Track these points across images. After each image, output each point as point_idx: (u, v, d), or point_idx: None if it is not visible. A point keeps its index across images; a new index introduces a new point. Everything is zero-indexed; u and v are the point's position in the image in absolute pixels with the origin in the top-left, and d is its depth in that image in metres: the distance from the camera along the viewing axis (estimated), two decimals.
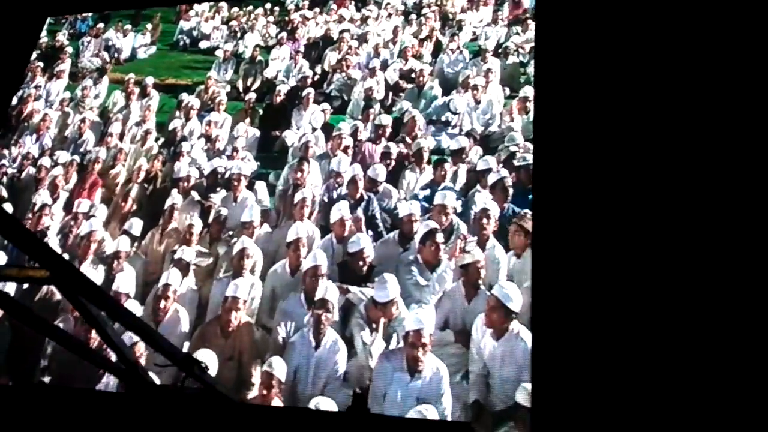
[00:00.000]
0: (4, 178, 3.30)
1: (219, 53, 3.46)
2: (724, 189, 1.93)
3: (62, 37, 3.92)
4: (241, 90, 3.23)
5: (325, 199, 2.54)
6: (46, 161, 3.24)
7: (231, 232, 2.57)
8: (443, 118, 2.59)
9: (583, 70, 2.21)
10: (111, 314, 0.90)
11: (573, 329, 1.85)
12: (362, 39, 3.08)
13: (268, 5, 3.55)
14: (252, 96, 3.16)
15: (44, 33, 3.97)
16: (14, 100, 3.60)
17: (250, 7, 3.60)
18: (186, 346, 2.25)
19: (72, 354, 1.08)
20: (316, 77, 3.06)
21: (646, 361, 1.77)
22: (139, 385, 1.03)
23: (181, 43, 3.68)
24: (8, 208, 3.14)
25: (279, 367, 2.06)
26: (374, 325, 2.01)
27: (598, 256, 1.93)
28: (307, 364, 1.99)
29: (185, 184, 2.86)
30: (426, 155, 2.50)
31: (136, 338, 2.27)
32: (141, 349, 2.28)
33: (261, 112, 3.07)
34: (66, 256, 2.80)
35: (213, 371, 2.03)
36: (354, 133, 2.72)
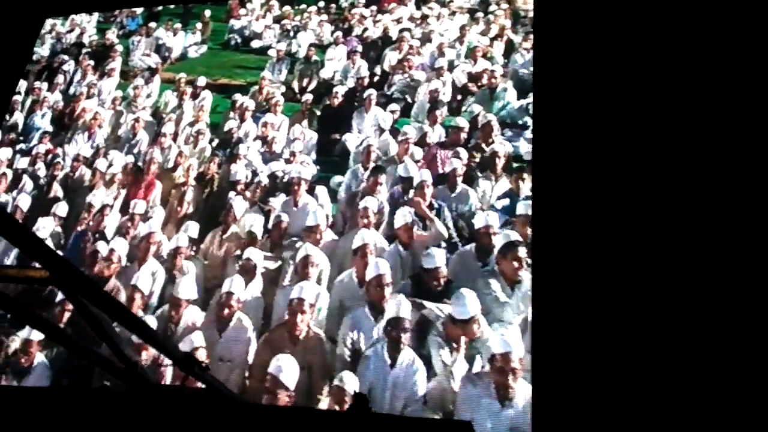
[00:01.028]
0: (59, 176, 3.30)
1: (272, 53, 3.39)
2: (725, 191, 1.89)
3: (112, 36, 3.92)
4: (296, 91, 3.15)
5: (391, 207, 2.43)
6: (100, 160, 3.23)
7: (295, 238, 2.49)
8: (520, 122, 2.45)
9: (583, 73, 2.16)
10: (111, 314, 0.91)
11: (574, 338, 1.81)
12: (425, 38, 2.96)
13: (321, 3, 3.46)
14: (309, 97, 3.08)
15: (93, 31, 3.99)
16: (56, 97, 3.61)
17: (303, 6, 3.52)
18: (251, 355, 2.18)
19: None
20: (376, 78, 2.95)
21: (650, 370, 1.73)
22: (139, 385, 1.02)
23: (233, 42, 3.62)
24: (64, 207, 3.14)
25: (351, 383, 1.96)
26: (454, 345, 1.90)
27: (600, 264, 1.88)
28: (383, 383, 1.88)
29: (242, 187, 2.80)
30: (501, 161, 2.37)
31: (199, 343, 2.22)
32: (201, 355, 2.23)
33: (318, 113, 2.98)
34: (125, 257, 2.78)
35: (294, 379, 1.95)
36: (422, 137, 2.61)
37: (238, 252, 2.53)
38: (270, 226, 2.59)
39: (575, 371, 1.76)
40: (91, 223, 2.97)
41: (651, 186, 1.95)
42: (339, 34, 3.23)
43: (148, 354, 2.27)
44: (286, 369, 1.99)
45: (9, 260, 2.95)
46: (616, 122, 2.06)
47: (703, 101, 2.01)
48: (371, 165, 2.61)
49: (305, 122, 2.96)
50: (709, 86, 2.02)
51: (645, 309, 1.80)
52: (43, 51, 3.95)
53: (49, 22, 4.09)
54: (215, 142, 3.08)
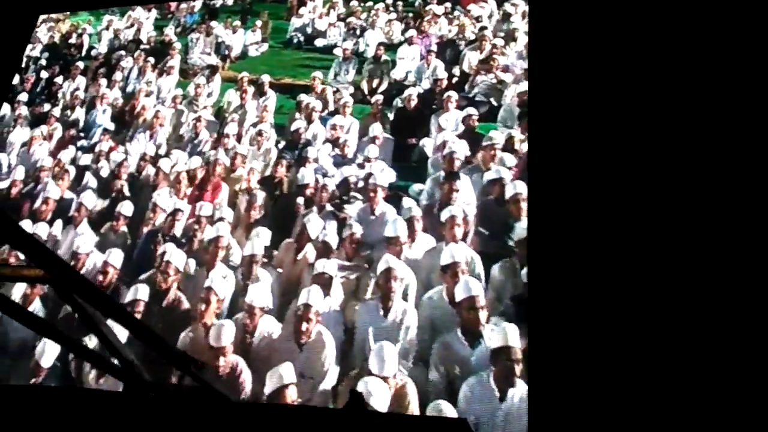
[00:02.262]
0: (124, 175, 3.24)
1: (338, 51, 3.27)
2: (723, 191, 1.84)
3: (170, 32, 3.87)
4: (366, 92, 3.01)
5: (479, 219, 2.27)
6: (163, 160, 3.16)
7: (373, 248, 2.36)
8: None
9: (580, 74, 2.11)
10: (105, 312, 0.91)
11: (574, 338, 1.77)
12: (509, 37, 2.78)
13: (389, 0, 3.32)
14: (379, 98, 2.94)
15: (151, 27, 3.95)
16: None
17: (370, 3, 3.38)
18: (335, 372, 2.05)
19: None
20: (454, 80, 2.79)
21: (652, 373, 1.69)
22: (136, 383, 1.02)
23: (296, 40, 3.52)
24: (129, 206, 3.08)
25: (449, 414, 1.81)
26: None
27: (597, 264, 1.85)
28: (492, 416, 1.73)
29: (311, 191, 2.68)
30: None
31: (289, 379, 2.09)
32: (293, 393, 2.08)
33: (391, 117, 2.84)
34: (192, 261, 2.69)
35: (384, 403, 1.81)
36: (507, 142, 2.44)
37: (312, 261, 2.41)
38: (345, 235, 2.46)
39: (574, 371, 1.71)
40: (158, 223, 2.90)
41: (651, 188, 1.90)
42: (412, 32, 3.08)
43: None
44: (376, 393, 1.86)
45: None
46: (613, 122, 2.00)
47: (703, 102, 1.96)
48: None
49: (377, 125, 2.82)
50: (708, 88, 1.97)
51: (648, 313, 1.76)
52: (101, 47, 3.93)
53: (106, 18, 4.08)
54: (281, 144, 2.97)
